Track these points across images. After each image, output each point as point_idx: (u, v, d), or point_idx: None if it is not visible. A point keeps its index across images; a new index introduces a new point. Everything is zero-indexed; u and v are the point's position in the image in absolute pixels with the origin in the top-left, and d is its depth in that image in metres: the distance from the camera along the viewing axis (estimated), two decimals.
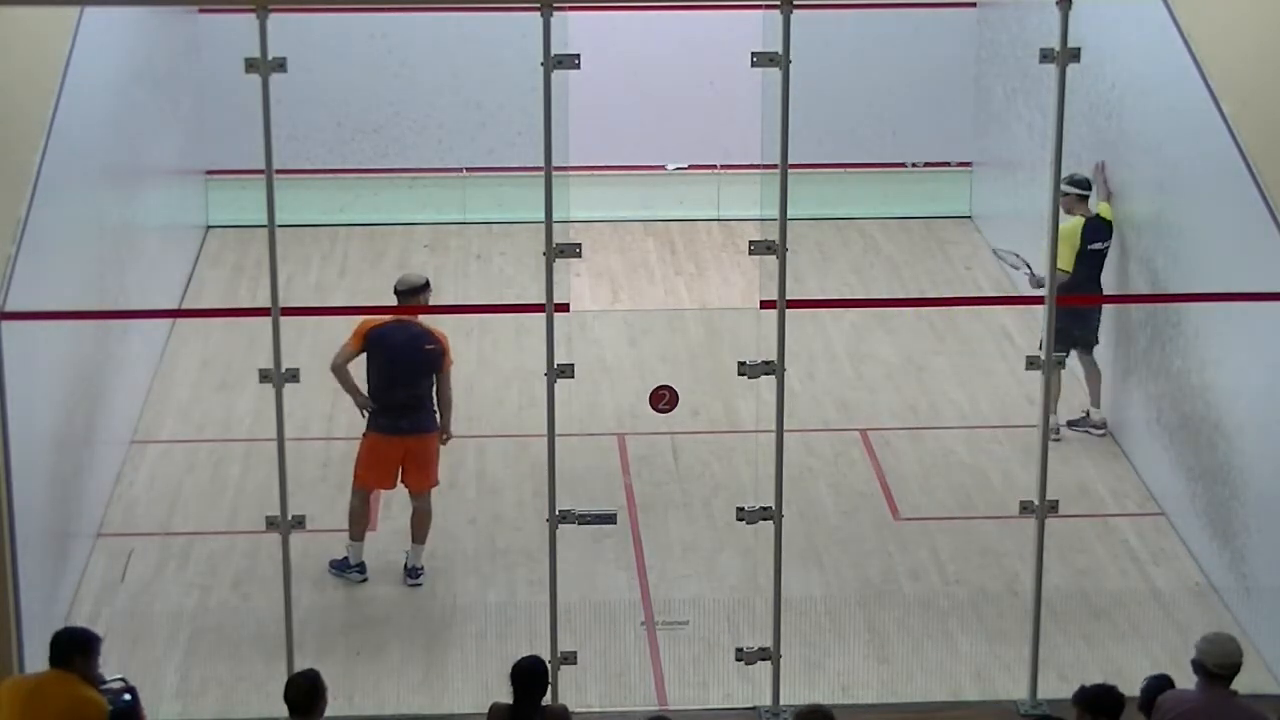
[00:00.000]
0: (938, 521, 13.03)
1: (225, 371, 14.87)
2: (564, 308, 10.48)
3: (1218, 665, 8.79)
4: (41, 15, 12.01)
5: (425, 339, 12.00)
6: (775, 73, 10.11)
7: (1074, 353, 13.83)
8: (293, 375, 10.40)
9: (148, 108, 15.19)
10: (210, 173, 17.75)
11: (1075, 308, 13.50)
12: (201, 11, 16.94)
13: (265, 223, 10.28)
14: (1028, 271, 14.04)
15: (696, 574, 12.36)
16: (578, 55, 9.98)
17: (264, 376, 10.39)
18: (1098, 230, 13.62)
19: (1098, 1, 13.17)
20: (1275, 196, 11.31)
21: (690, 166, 18.25)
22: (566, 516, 10.68)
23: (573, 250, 10.26)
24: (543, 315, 10.38)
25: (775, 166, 10.27)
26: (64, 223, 11.99)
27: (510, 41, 16.98)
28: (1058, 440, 13.66)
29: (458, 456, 13.41)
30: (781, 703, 10.87)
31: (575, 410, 13.44)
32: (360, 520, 12.23)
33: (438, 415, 12.10)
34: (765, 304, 10.69)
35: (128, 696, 9.48)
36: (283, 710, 8.85)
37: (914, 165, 18.36)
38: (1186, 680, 9.00)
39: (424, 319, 12.16)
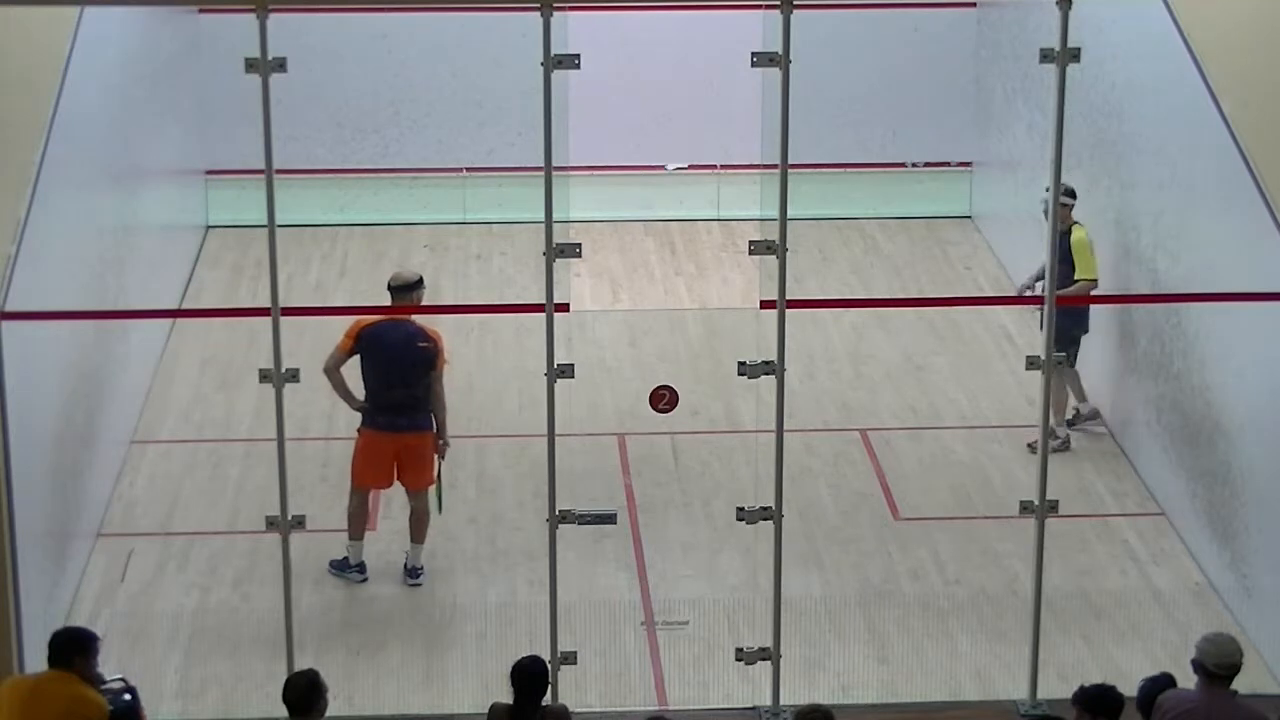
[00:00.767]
0: (938, 521, 13.03)
1: (225, 371, 14.87)
2: (564, 308, 10.48)
3: (1218, 665, 8.79)
4: (41, 15, 12.01)
5: (419, 337, 11.99)
6: (775, 73, 10.11)
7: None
8: (293, 375, 10.40)
9: (148, 108, 15.19)
10: (210, 173, 17.76)
11: (1067, 321, 13.40)
12: (201, 11, 16.94)
13: (265, 223, 10.28)
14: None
15: (696, 574, 12.36)
16: (578, 55, 9.98)
17: (264, 376, 10.38)
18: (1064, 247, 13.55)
19: (1098, 1, 13.17)
20: (1275, 196, 11.31)
21: (690, 166, 18.25)
22: (566, 516, 10.68)
23: (573, 250, 10.26)
24: (543, 315, 10.38)
25: (775, 166, 10.27)
26: (64, 223, 11.99)
27: (510, 41, 16.98)
28: (1063, 447, 13.64)
29: (458, 456, 13.40)
30: (781, 703, 10.88)
31: (575, 410, 13.44)
32: (359, 520, 12.24)
33: (433, 416, 12.09)
34: (765, 304, 10.69)
35: (128, 696, 9.48)
36: (283, 710, 8.84)
37: (914, 165, 18.36)
38: (1186, 680, 9.00)
39: (419, 318, 12.15)
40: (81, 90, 12.37)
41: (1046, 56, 10.30)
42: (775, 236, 10.31)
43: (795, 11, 10.02)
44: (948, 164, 18.28)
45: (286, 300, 11.06)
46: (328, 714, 8.92)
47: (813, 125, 17.11)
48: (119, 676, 9.67)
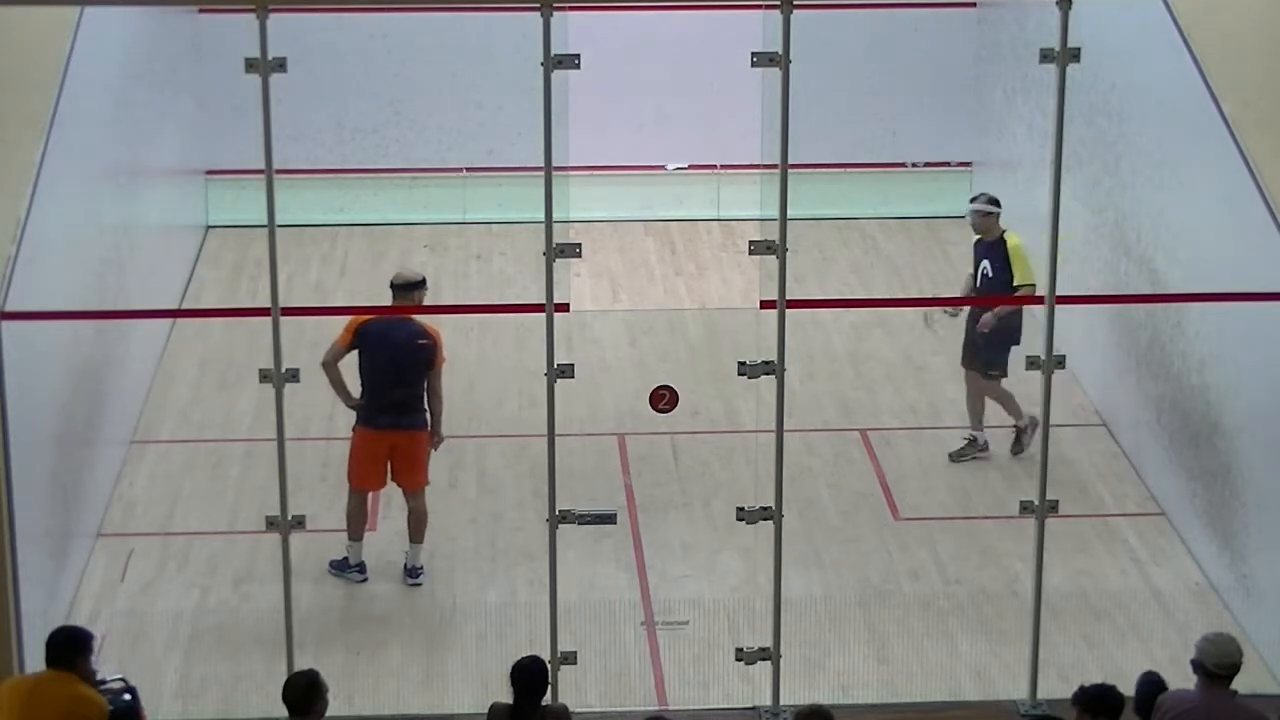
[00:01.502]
0: (938, 521, 13.03)
1: (225, 371, 14.86)
2: (564, 308, 10.48)
3: (1217, 665, 8.79)
4: (41, 15, 12.01)
5: (418, 335, 11.98)
6: (775, 73, 10.11)
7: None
8: (293, 375, 10.40)
9: (148, 108, 15.19)
10: (210, 173, 17.76)
11: (1002, 332, 13.37)
12: (201, 11, 16.93)
13: (265, 223, 10.28)
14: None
15: (696, 574, 12.36)
16: (578, 55, 9.98)
17: (264, 376, 10.38)
18: (1000, 255, 13.50)
19: (1098, 1, 13.17)
20: (1275, 196, 11.31)
21: (690, 166, 18.25)
22: (566, 516, 10.68)
23: (573, 250, 10.26)
24: (543, 315, 10.38)
25: (775, 166, 10.27)
26: (64, 223, 11.99)
27: (510, 41, 16.98)
28: (985, 455, 13.62)
29: (458, 456, 13.42)
30: (781, 703, 10.88)
31: (575, 410, 13.45)
32: (358, 521, 12.23)
33: (428, 415, 12.08)
34: (765, 304, 10.69)
35: (128, 696, 9.49)
36: (283, 710, 8.84)
37: (914, 165, 18.36)
38: (1186, 680, 9.00)
39: (419, 317, 12.14)
40: (81, 90, 12.36)
41: (1046, 56, 10.30)
42: (775, 236, 10.31)
43: (795, 11, 10.02)
44: (948, 164, 18.27)
45: (286, 300, 11.05)
46: (327, 714, 8.92)
47: (813, 125, 17.12)
48: (119, 676, 9.68)
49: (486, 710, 9.16)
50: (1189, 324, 12.56)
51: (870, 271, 17.12)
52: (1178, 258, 12.79)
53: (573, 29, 10.53)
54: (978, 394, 13.67)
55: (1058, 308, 10.70)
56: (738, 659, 11.00)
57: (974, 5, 17.85)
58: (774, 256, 10.32)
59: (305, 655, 10.71)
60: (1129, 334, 13.66)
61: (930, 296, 16.26)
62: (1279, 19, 12.17)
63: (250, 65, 9.97)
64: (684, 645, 11.56)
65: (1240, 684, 8.93)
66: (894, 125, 18.18)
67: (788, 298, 10.48)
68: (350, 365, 12.07)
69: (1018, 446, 13.67)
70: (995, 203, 13.61)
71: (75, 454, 12.13)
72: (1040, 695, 10.92)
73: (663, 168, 18.27)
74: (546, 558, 10.76)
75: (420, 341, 11.97)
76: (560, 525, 10.66)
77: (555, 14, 9.90)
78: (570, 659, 10.81)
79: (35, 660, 9.87)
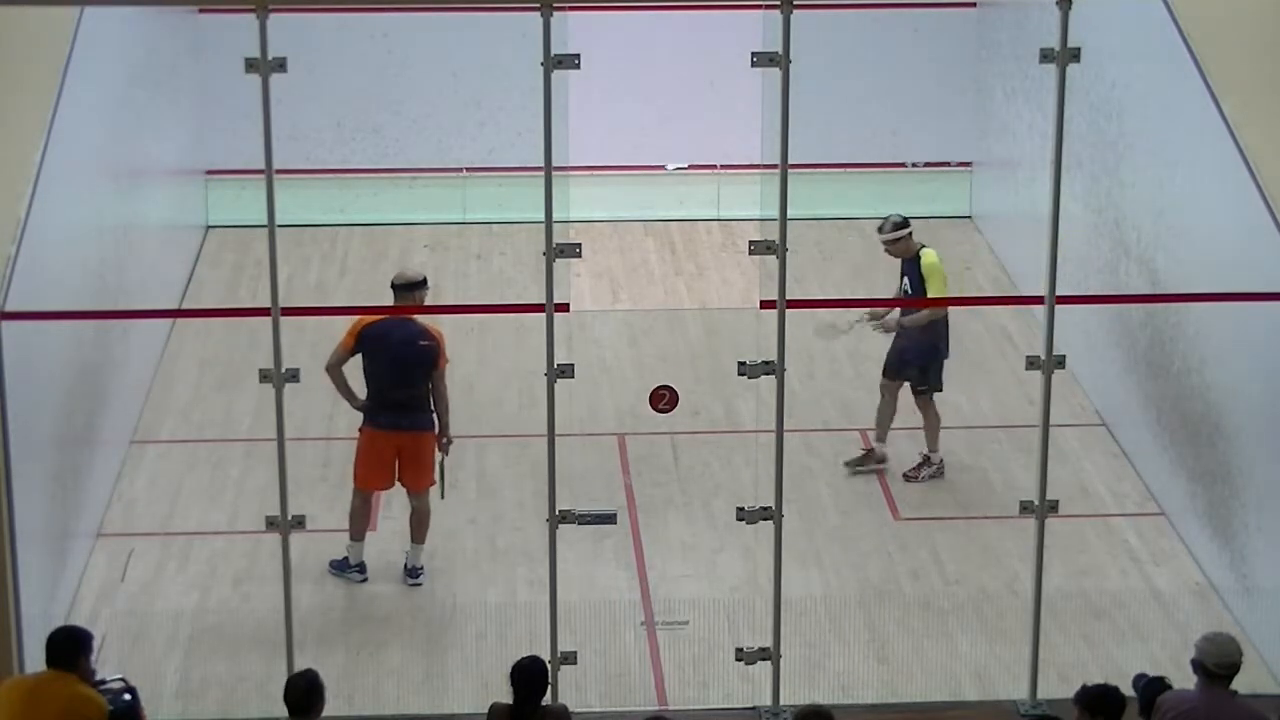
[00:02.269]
0: (938, 521, 13.03)
1: (225, 371, 14.86)
2: (564, 308, 10.48)
3: (1217, 665, 8.79)
4: (41, 15, 12.01)
5: (421, 336, 11.98)
6: (775, 73, 10.11)
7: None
8: (293, 375, 10.40)
9: (148, 108, 15.19)
10: (210, 173, 17.76)
11: (919, 347, 13.32)
12: (201, 11, 16.94)
13: (265, 223, 10.28)
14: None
15: (696, 574, 12.36)
16: (578, 55, 9.98)
17: (264, 376, 10.38)
18: (917, 274, 13.39)
19: (1098, 1, 13.17)
20: (1275, 196, 11.32)
21: (690, 166, 18.25)
22: (566, 516, 10.68)
23: (573, 250, 10.26)
24: (543, 315, 10.38)
25: (775, 166, 10.27)
26: (64, 223, 11.99)
27: (510, 41, 16.97)
28: (883, 466, 13.55)
29: (458, 456, 13.38)
30: (781, 703, 10.88)
31: (575, 410, 13.43)
32: (360, 520, 12.24)
33: (434, 415, 12.09)
34: (765, 304, 10.69)
35: (128, 696, 9.48)
36: (283, 710, 8.85)
37: (914, 165, 18.36)
38: (1186, 680, 9.00)
39: (421, 317, 12.15)
40: (81, 90, 12.36)
41: (1046, 56, 10.31)
42: (775, 236, 10.31)
43: (795, 11, 10.02)
44: (948, 164, 18.28)
45: (286, 300, 11.06)
46: (327, 714, 8.92)
47: (813, 125, 17.13)
48: (119, 676, 9.67)
49: (486, 710, 9.16)
50: (1189, 324, 12.56)
51: (870, 272, 17.10)
52: (1178, 258, 12.79)
53: (573, 29, 10.53)
54: (889, 405, 13.54)
55: (1058, 308, 10.70)
56: (738, 659, 11.00)
57: (974, 5, 17.85)
58: (774, 256, 10.32)
59: (305, 655, 10.71)
60: (1129, 334, 13.66)
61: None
62: (1279, 19, 12.17)
63: (250, 65, 9.97)
64: (684, 645, 11.56)
65: (1240, 684, 8.94)
66: (894, 125, 18.18)
67: (788, 298, 10.48)
68: (354, 367, 12.07)
69: (913, 473, 13.47)
70: (903, 224, 13.38)
71: (75, 454, 12.13)
72: (1040, 695, 10.92)
73: (663, 168, 18.27)
74: (546, 558, 10.76)
75: (423, 342, 11.97)
76: (560, 525, 10.67)
77: (555, 14, 9.90)
78: (570, 659, 10.81)
79: (35, 660, 9.88)
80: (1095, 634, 11.69)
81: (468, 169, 18.09)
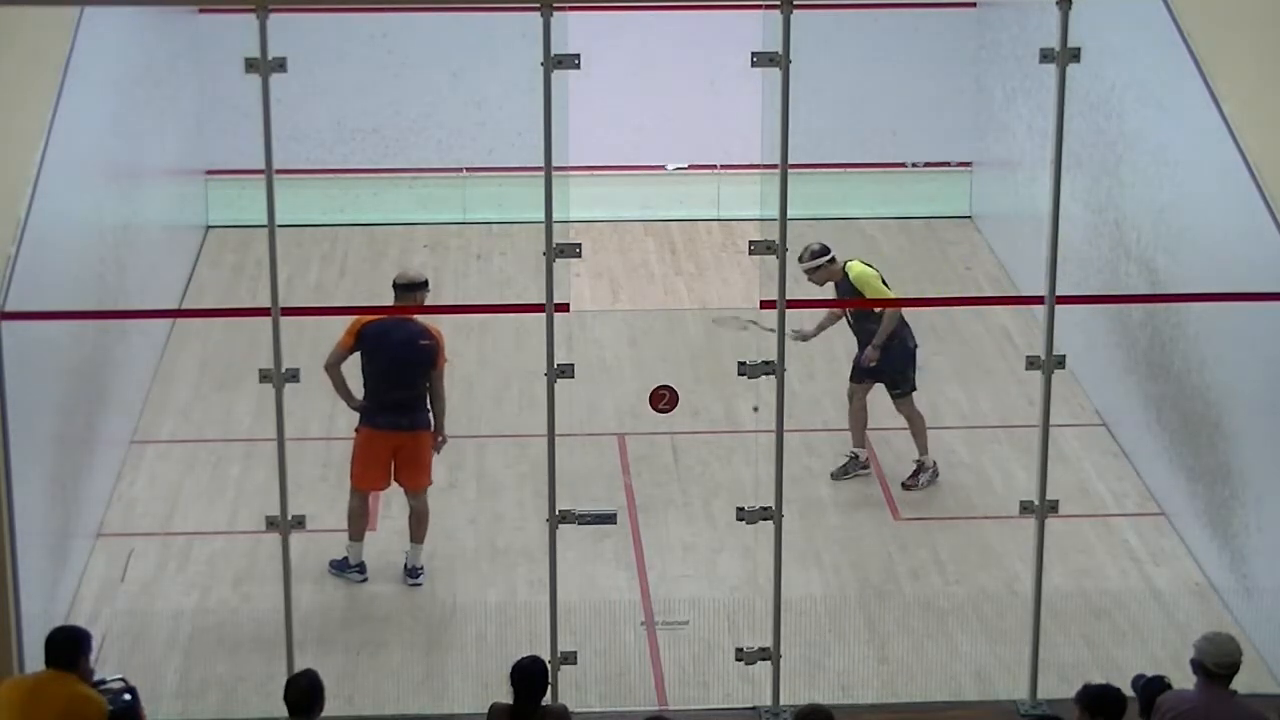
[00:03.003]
0: (938, 521, 13.03)
1: (225, 371, 14.86)
2: (564, 308, 10.48)
3: (1217, 664, 8.79)
4: (41, 15, 12.01)
5: (420, 335, 11.99)
6: (775, 73, 10.11)
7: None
8: (293, 375, 10.40)
9: (148, 108, 15.19)
10: (210, 173, 17.76)
11: (885, 352, 13.23)
12: (201, 11, 16.94)
13: (265, 223, 10.28)
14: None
15: (696, 574, 12.36)
16: (578, 55, 9.98)
17: (264, 376, 10.38)
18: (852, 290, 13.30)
19: (1098, 1, 13.17)
20: (1275, 196, 11.31)
21: (690, 166, 18.25)
22: (566, 516, 10.68)
23: (573, 250, 10.26)
24: (543, 315, 10.38)
25: (775, 166, 10.27)
26: (64, 223, 11.99)
27: (510, 41, 16.97)
28: (866, 471, 13.52)
29: (458, 456, 13.41)
30: (781, 703, 10.88)
31: (575, 410, 13.43)
32: (359, 520, 12.23)
33: (431, 415, 12.09)
34: (765, 304, 10.69)
35: (128, 696, 9.48)
36: (283, 710, 8.85)
37: (914, 165, 18.36)
38: (1186, 680, 9.00)
39: (420, 316, 12.15)
40: (81, 90, 12.36)
41: (1046, 56, 10.30)
42: (775, 236, 10.31)
43: (795, 11, 10.02)
44: (948, 164, 18.28)
45: (286, 300, 11.06)
46: (327, 714, 8.92)
47: (813, 125, 17.14)
48: (119, 676, 9.67)
49: (486, 710, 9.16)
50: (1189, 324, 12.56)
51: None
52: (1178, 258, 12.79)
53: (573, 29, 10.53)
54: (860, 410, 13.51)
55: (1058, 308, 10.70)
56: (738, 659, 11.00)
57: (974, 5, 17.85)
58: (774, 256, 10.32)
59: (305, 655, 10.71)
60: (1129, 334, 13.66)
61: (930, 296, 16.24)
62: (1279, 19, 12.16)
63: (250, 65, 9.97)
64: (684, 645, 11.56)
65: (1240, 684, 8.94)
66: (894, 125, 18.18)
67: (788, 298, 10.48)
68: (353, 366, 12.07)
69: (911, 481, 13.42)
70: (821, 252, 13.28)
71: (75, 454, 12.14)
72: (1040, 695, 10.92)
73: (663, 168, 18.27)
74: (546, 558, 10.76)
75: (422, 342, 11.97)
76: (560, 525, 10.67)
77: (555, 14, 9.90)
78: (570, 659, 10.81)
79: (35, 660, 9.88)
80: (1095, 634, 11.69)
81: (468, 169, 18.09)
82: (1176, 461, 12.81)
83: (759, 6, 10.28)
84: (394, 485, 12.24)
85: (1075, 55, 10.29)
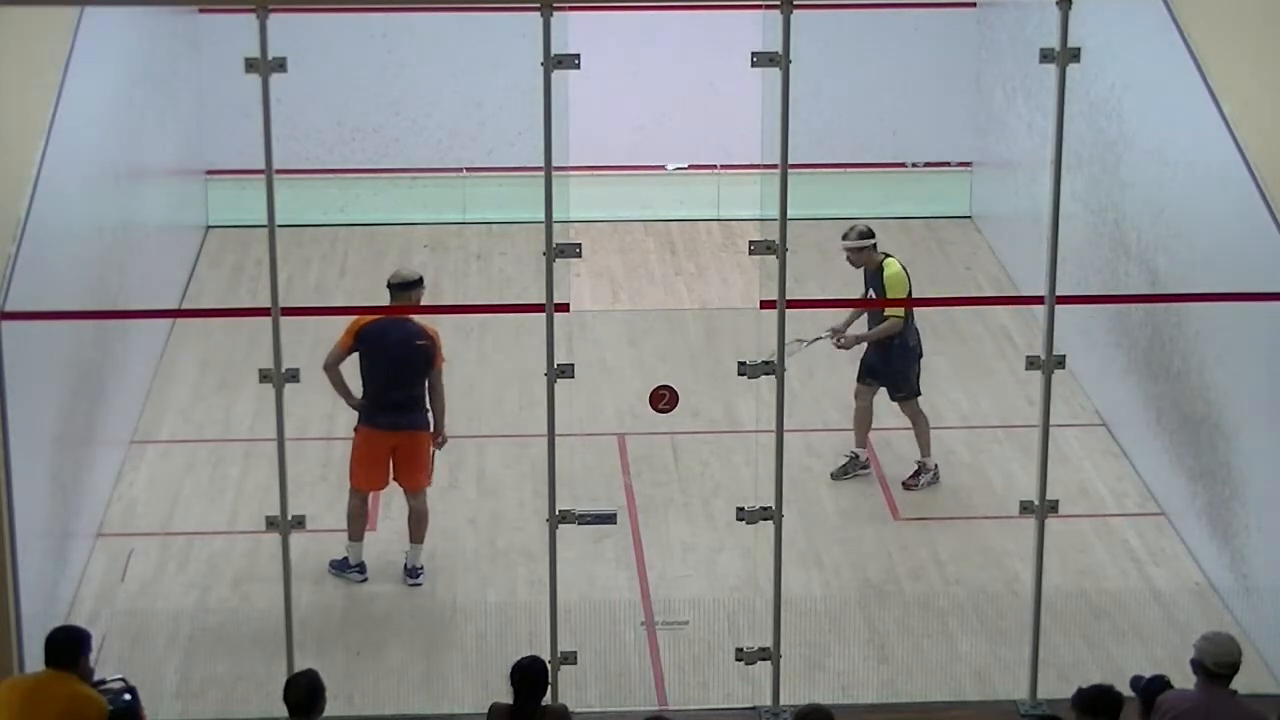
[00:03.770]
0: (938, 522, 13.03)
1: (225, 371, 14.87)
2: (564, 308, 10.48)
3: (1217, 664, 8.79)
4: (41, 15, 12.01)
5: (417, 335, 11.99)
6: (775, 73, 10.11)
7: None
8: (293, 375, 10.41)
9: (148, 108, 15.19)
10: (210, 173, 17.76)
11: (887, 355, 13.27)
12: (201, 11, 16.94)
13: (265, 223, 10.28)
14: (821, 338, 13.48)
15: (696, 574, 12.36)
16: (578, 55, 9.98)
17: (264, 376, 10.39)
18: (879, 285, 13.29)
19: (1098, 1, 13.17)
20: (1275, 196, 11.32)
21: (690, 166, 18.25)
22: (566, 516, 10.68)
23: (573, 250, 10.26)
24: (543, 315, 10.38)
25: (775, 166, 10.27)
26: (64, 223, 11.99)
27: (510, 41, 16.98)
28: (866, 471, 13.51)
29: (458, 456, 13.41)
30: (781, 703, 10.88)
31: (575, 410, 13.44)
32: (359, 521, 12.23)
33: (429, 415, 12.08)
34: (765, 304, 10.69)
35: (128, 696, 9.49)
36: (283, 710, 8.85)
37: (914, 165, 18.36)
38: (1186, 680, 9.00)
39: (417, 316, 12.15)
40: (81, 90, 12.37)
41: (1046, 56, 10.30)
42: (775, 236, 10.31)
43: (795, 11, 10.02)
44: (948, 164, 18.28)
45: (286, 300, 11.05)
46: (327, 714, 8.92)
47: (813, 125, 17.15)
48: (119, 676, 9.68)
49: (486, 710, 9.16)
50: (1189, 324, 12.56)
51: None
52: (1178, 258, 12.79)
53: (573, 29, 10.53)
54: (865, 411, 13.51)
55: (1058, 308, 10.70)
56: (738, 659, 11.00)
57: (974, 5, 17.85)
58: (774, 256, 10.32)
59: (305, 655, 10.71)
60: (1129, 334, 13.66)
61: (930, 296, 16.23)
62: (1279, 19, 12.16)
63: (250, 65, 9.97)
64: (684, 645, 11.56)
65: (1240, 684, 8.94)
66: (894, 125, 18.18)
67: (788, 298, 10.48)
68: (351, 366, 12.07)
69: (912, 481, 13.42)
70: (868, 234, 13.27)
71: (75, 454, 12.14)
72: (1040, 695, 10.92)
73: (663, 168, 18.27)
74: (546, 558, 10.76)
75: (419, 342, 11.97)
76: (560, 525, 10.67)
77: (555, 14, 9.90)
78: (570, 659, 10.81)
79: (35, 660, 9.88)
80: (1095, 634, 11.70)
81: (468, 169, 18.10)
82: (1176, 461, 12.82)
83: (759, 6, 10.28)
84: (394, 486, 12.24)
85: (1075, 55, 10.29)
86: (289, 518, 10.54)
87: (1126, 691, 8.98)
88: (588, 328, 15.62)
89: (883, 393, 13.49)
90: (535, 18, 9.90)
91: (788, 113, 10.16)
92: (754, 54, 10.10)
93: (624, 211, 18.06)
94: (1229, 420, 11.96)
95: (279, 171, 10.33)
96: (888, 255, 13.31)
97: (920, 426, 13.42)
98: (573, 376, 10.48)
